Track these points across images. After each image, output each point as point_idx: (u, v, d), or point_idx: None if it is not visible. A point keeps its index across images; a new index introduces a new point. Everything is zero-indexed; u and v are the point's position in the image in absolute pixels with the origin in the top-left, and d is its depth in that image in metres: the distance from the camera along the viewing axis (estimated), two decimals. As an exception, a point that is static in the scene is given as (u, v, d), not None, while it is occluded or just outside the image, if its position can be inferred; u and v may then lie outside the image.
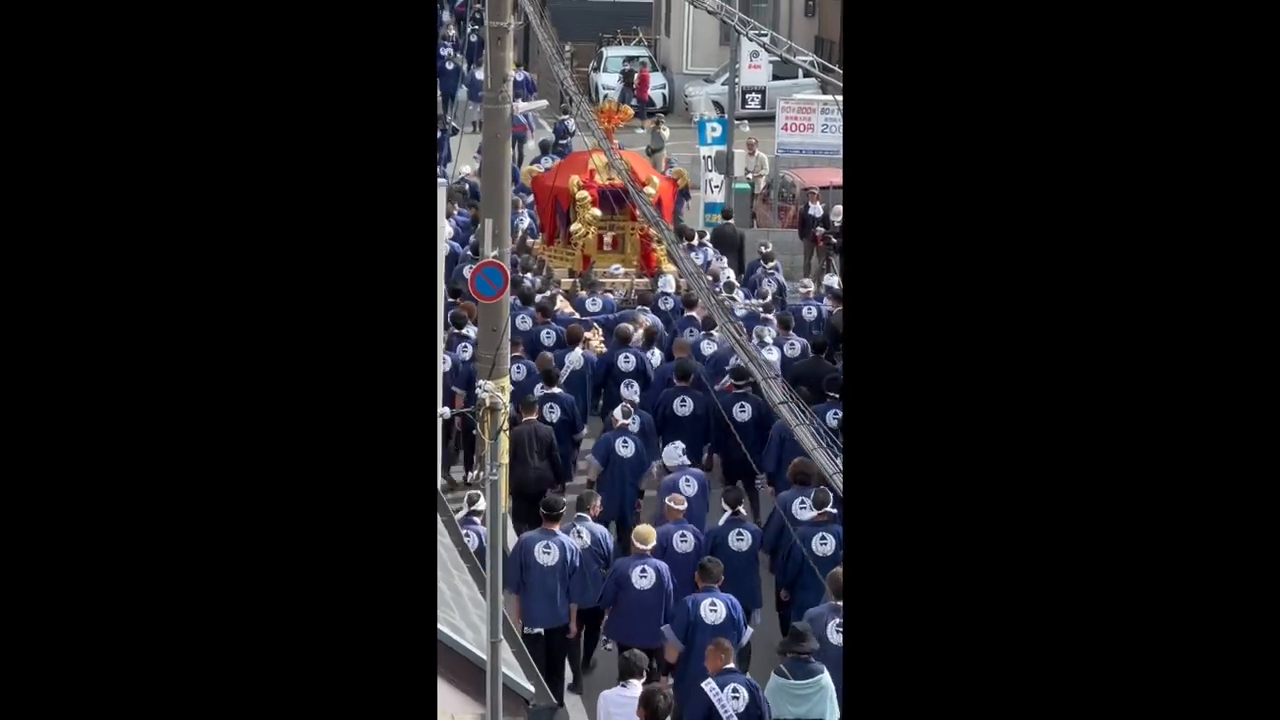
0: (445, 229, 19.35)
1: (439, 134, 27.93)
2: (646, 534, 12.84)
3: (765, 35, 16.59)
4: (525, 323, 18.34)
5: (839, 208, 24.36)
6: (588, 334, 18.21)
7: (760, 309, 19.67)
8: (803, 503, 13.57)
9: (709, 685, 10.72)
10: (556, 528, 13.04)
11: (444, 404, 13.41)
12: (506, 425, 11.04)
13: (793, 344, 18.48)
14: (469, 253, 20.86)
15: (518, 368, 16.61)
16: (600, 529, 13.54)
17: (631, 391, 16.54)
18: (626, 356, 17.40)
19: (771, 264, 21.82)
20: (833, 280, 21.86)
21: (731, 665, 10.93)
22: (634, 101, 36.15)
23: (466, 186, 24.73)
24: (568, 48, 37.19)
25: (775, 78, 34.09)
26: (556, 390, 16.31)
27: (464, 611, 9.93)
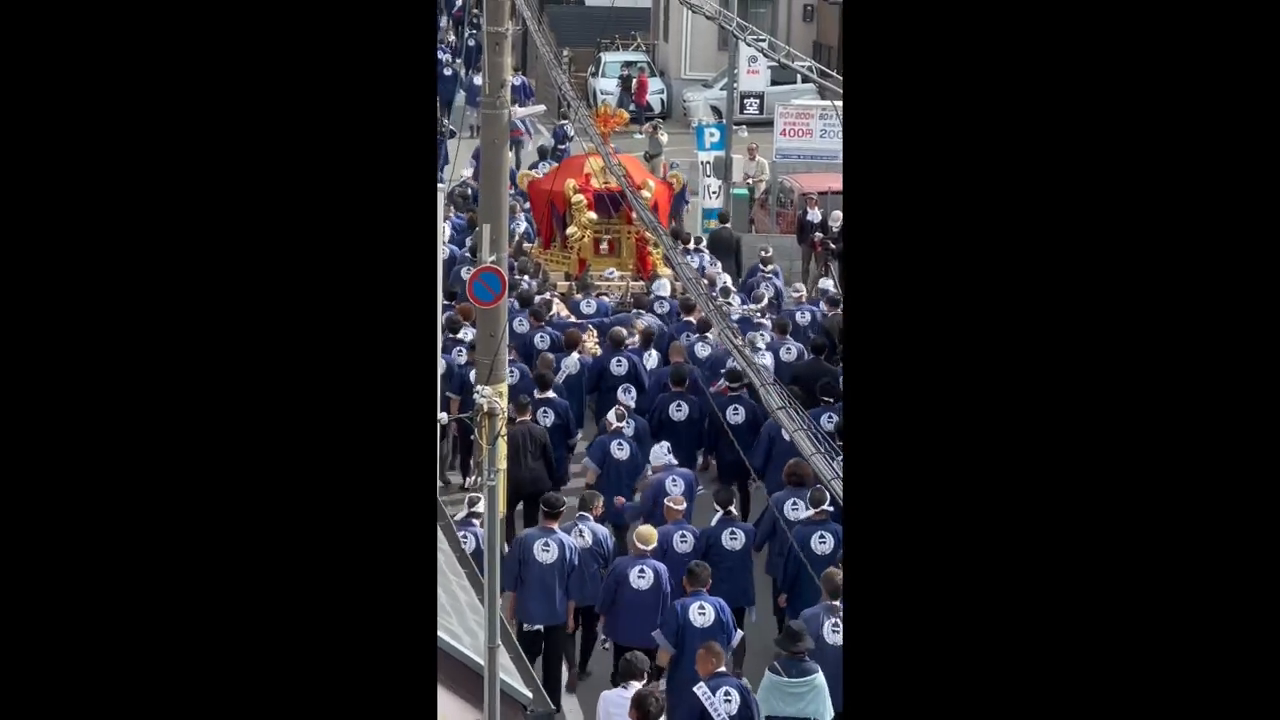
0: (442, 232, 19.36)
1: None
2: (648, 535, 12.89)
3: (763, 40, 16.56)
4: (522, 325, 18.36)
5: (837, 213, 24.34)
6: (584, 337, 18.24)
7: (757, 313, 19.69)
8: (795, 503, 13.66)
9: (701, 690, 10.78)
10: (555, 525, 13.08)
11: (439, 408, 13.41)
12: (504, 430, 11.04)
13: (789, 348, 18.53)
14: (467, 254, 20.89)
15: (512, 371, 16.65)
16: (601, 529, 13.60)
17: (628, 396, 16.57)
18: (619, 360, 17.42)
19: (770, 268, 21.83)
20: (828, 284, 21.91)
21: (722, 669, 11.02)
22: (632, 107, 36.22)
23: (469, 190, 24.73)
24: (566, 53, 37.21)
25: (773, 83, 34.13)
26: (551, 395, 16.33)
27: (461, 617, 9.91)
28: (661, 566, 12.73)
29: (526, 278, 20.51)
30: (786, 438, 13.51)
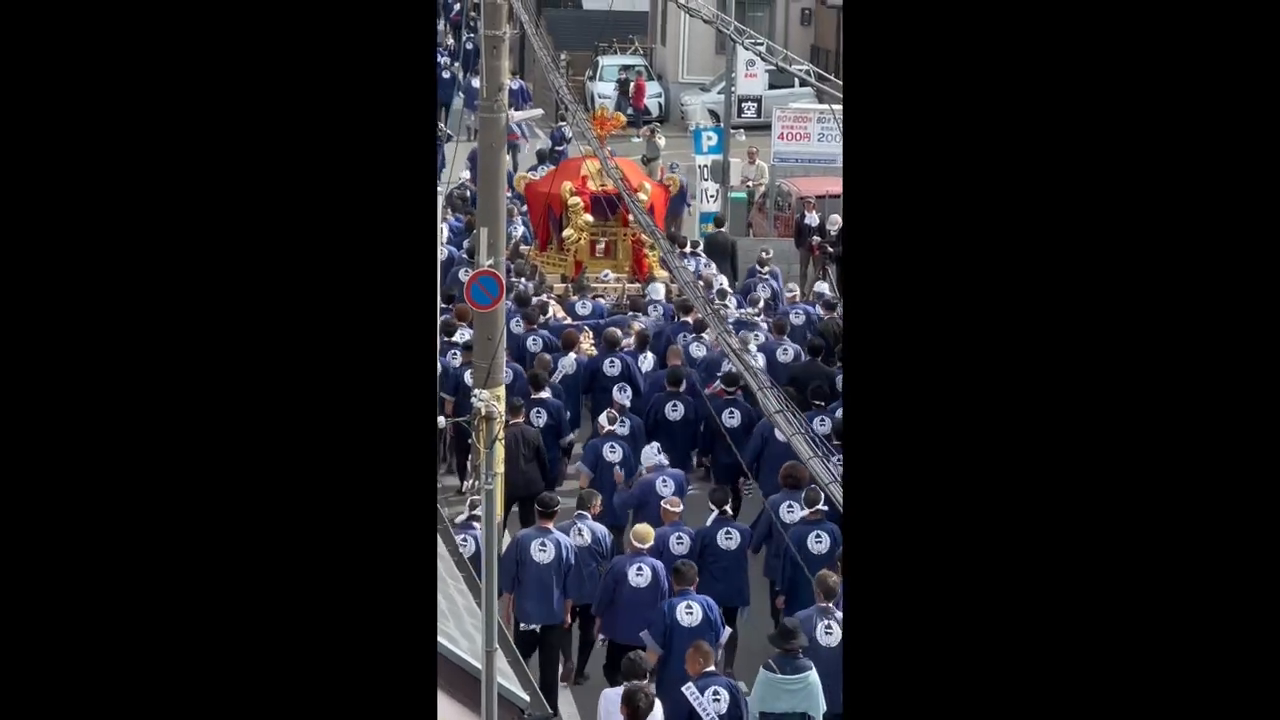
0: (440, 234, 19.36)
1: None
2: (645, 533, 12.95)
3: (761, 44, 16.56)
4: (519, 327, 18.40)
5: (835, 216, 24.36)
6: (580, 338, 18.30)
7: (754, 315, 19.73)
8: (791, 506, 13.71)
9: (689, 689, 10.84)
10: (551, 525, 13.11)
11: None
12: (501, 434, 11.05)
13: (785, 349, 18.57)
14: (465, 256, 20.92)
15: (506, 373, 16.68)
16: (601, 528, 13.63)
17: (624, 394, 16.62)
18: (612, 361, 17.48)
19: (766, 269, 21.87)
20: (823, 287, 21.95)
21: (711, 668, 11.08)
22: (630, 110, 36.22)
23: (468, 193, 24.75)
24: (563, 57, 37.24)
25: (771, 86, 34.10)
26: (544, 395, 16.37)
27: (459, 621, 9.90)
28: (659, 564, 12.78)
29: (523, 280, 20.55)
30: (780, 439, 13.59)
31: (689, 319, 18.90)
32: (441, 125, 31.23)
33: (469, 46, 35.28)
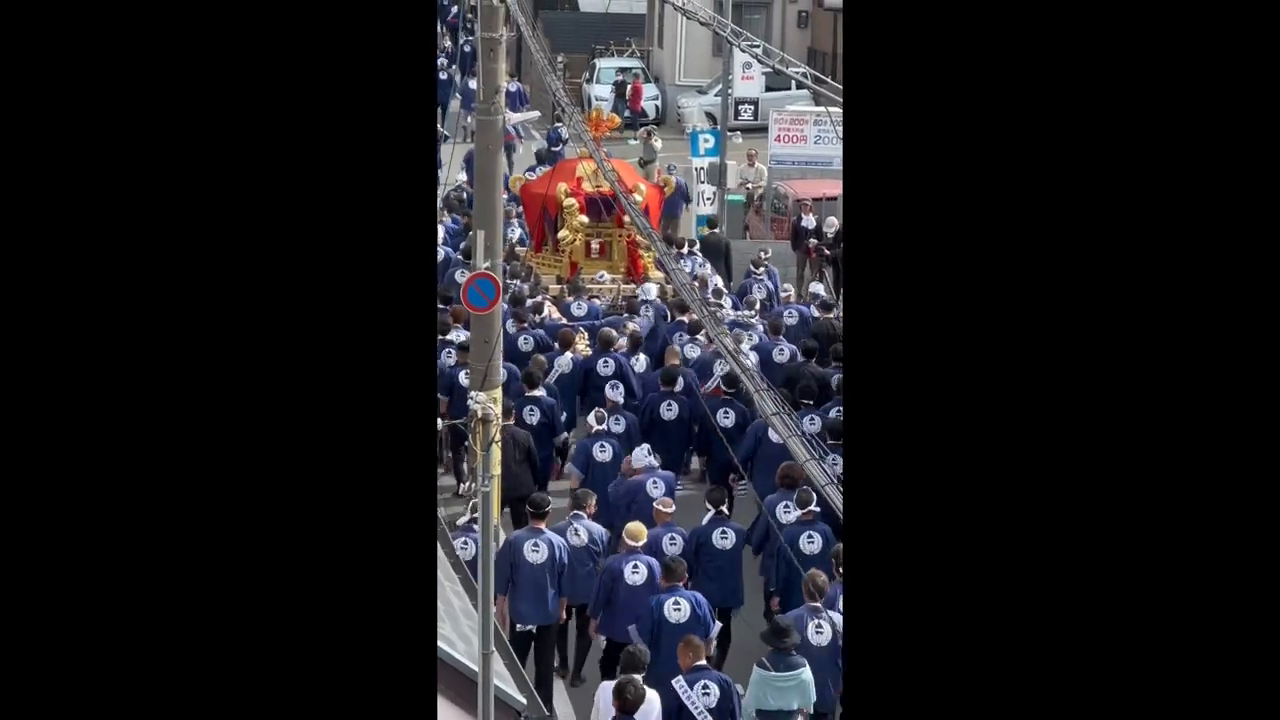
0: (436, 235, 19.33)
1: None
2: (637, 531, 13.00)
3: (758, 47, 16.55)
4: (511, 326, 18.42)
5: (831, 219, 24.37)
6: (576, 338, 18.34)
7: (750, 316, 19.76)
8: (787, 506, 13.74)
9: (678, 683, 10.91)
10: (543, 525, 13.12)
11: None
12: (499, 436, 11.04)
13: (781, 349, 18.59)
14: (460, 257, 20.93)
15: (501, 373, 16.68)
16: (598, 528, 13.65)
17: (616, 392, 16.65)
18: (606, 361, 17.53)
19: (760, 270, 21.90)
20: (818, 288, 21.97)
21: (702, 663, 11.15)
22: (627, 113, 36.21)
23: (464, 194, 24.75)
24: (560, 59, 37.22)
25: (768, 89, 34.09)
26: (537, 393, 16.42)
27: (455, 623, 9.90)
28: (654, 561, 12.81)
29: (517, 281, 20.57)
30: (774, 439, 13.62)
31: (684, 319, 18.93)
32: (438, 127, 31.23)
33: (466, 49, 35.26)
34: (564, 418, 17.00)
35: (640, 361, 17.99)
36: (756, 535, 13.94)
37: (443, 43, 39.11)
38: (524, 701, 9.76)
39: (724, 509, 13.91)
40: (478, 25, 15.78)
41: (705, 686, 10.89)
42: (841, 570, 12.25)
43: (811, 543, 13.32)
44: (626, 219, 20.37)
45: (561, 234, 22.13)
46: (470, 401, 9.28)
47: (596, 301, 20.57)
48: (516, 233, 23.42)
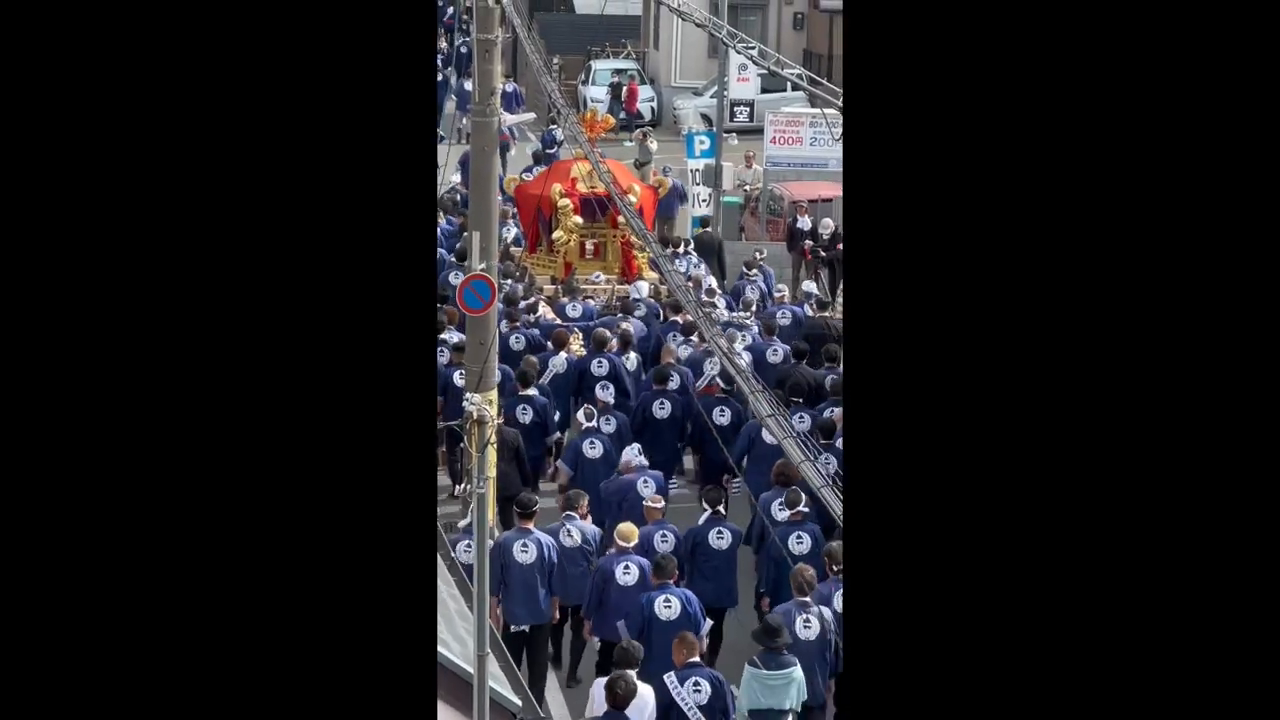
0: (432, 238, 19.21)
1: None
2: (628, 532, 13.03)
3: (754, 48, 16.57)
4: (503, 325, 18.44)
5: (827, 220, 24.39)
6: (570, 339, 18.36)
7: (744, 317, 19.78)
8: (781, 505, 13.77)
9: (669, 679, 10.96)
10: (531, 525, 13.13)
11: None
12: (494, 438, 11.06)
13: (775, 350, 18.61)
14: (453, 259, 20.96)
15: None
16: (591, 528, 13.68)
17: (607, 392, 16.67)
18: (600, 361, 17.56)
19: (753, 270, 21.93)
20: (811, 287, 22.00)
21: (695, 659, 11.18)
22: (622, 114, 36.22)
23: (458, 196, 24.76)
24: (556, 60, 37.22)
25: (764, 91, 34.10)
26: (530, 392, 16.45)
27: (450, 625, 9.90)
28: (645, 562, 12.85)
29: (511, 281, 20.60)
30: (768, 438, 13.64)
31: (678, 319, 18.95)
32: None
33: (461, 50, 35.25)
34: (557, 418, 17.02)
35: (631, 360, 18.01)
36: (755, 534, 13.96)
37: (440, 44, 39.09)
38: (519, 703, 9.77)
39: (720, 509, 13.94)
40: (473, 27, 15.77)
41: (696, 684, 10.93)
42: (835, 569, 12.29)
43: (800, 543, 13.36)
44: (621, 220, 20.38)
45: (556, 235, 22.16)
46: (466, 403, 9.29)
47: (591, 302, 20.61)
48: (512, 232, 23.44)
